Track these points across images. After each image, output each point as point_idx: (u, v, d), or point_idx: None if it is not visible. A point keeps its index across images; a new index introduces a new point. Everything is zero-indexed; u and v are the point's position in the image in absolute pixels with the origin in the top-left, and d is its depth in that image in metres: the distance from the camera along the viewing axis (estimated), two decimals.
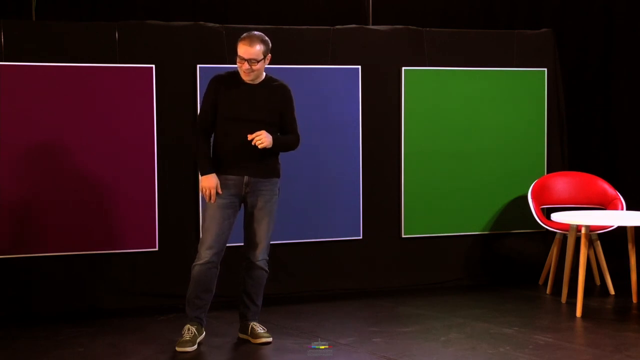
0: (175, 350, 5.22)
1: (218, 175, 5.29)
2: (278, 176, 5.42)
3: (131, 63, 6.27)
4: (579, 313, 6.06)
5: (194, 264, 5.30)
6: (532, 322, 5.92)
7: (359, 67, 6.79)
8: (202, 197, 5.34)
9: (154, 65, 6.30)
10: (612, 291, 6.71)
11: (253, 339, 5.39)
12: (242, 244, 5.46)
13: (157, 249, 6.38)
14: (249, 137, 5.17)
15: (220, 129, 5.31)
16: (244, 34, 5.27)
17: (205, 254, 5.27)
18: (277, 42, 6.56)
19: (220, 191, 5.26)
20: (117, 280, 6.35)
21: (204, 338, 5.36)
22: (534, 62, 7.26)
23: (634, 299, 6.41)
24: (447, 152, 7.03)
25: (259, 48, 5.22)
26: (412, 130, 6.94)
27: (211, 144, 5.37)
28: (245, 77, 5.26)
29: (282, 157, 6.56)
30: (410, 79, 6.91)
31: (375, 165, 6.87)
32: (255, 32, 5.30)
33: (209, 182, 5.25)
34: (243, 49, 5.21)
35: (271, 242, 6.51)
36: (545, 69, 7.28)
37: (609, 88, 8.17)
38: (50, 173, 6.12)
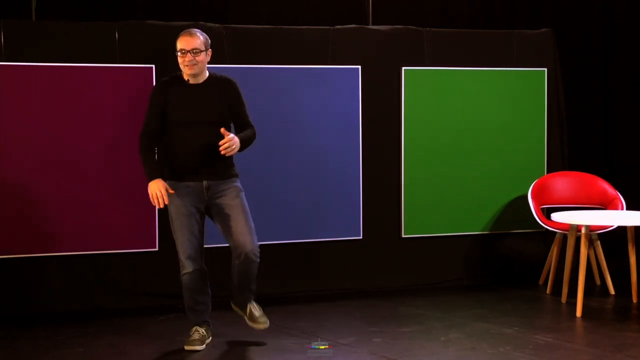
0: (184, 349, 5.23)
1: (177, 182, 5.22)
2: (236, 176, 5.35)
3: (131, 63, 6.27)
4: (579, 313, 6.06)
5: (181, 273, 5.30)
6: (532, 322, 5.92)
7: (359, 67, 6.79)
8: (171, 210, 5.26)
9: (154, 65, 6.30)
10: (612, 291, 6.71)
11: (250, 321, 5.35)
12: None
13: (157, 249, 6.38)
14: (221, 150, 5.07)
15: (171, 135, 5.23)
16: (182, 31, 5.28)
17: (187, 264, 5.25)
18: (277, 42, 6.60)
19: (170, 190, 5.15)
20: (117, 280, 6.35)
21: (210, 341, 5.37)
22: (534, 62, 7.26)
23: (634, 299, 6.41)
24: (447, 152, 7.03)
25: (200, 40, 5.19)
26: (412, 130, 6.94)
27: (156, 151, 5.27)
28: (188, 70, 5.18)
29: (281, 156, 6.59)
30: (410, 79, 6.91)
31: (375, 165, 6.87)
32: (194, 29, 5.30)
33: (156, 185, 5.14)
34: (184, 42, 5.18)
35: (271, 242, 6.54)
36: (545, 69, 7.27)
37: (609, 88, 8.17)
38: (50, 173, 6.13)
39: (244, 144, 5.25)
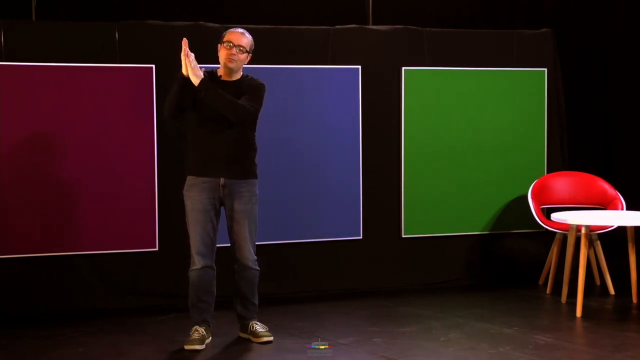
0: (184, 348, 5.23)
1: (196, 177, 5.28)
2: (255, 177, 5.38)
3: (131, 63, 6.27)
4: (579, 313, 6.06)
5: (190, 269, 5.32)
6: (532, 322, 5.92)
7: (359, 67, 6.79)
8: (187, 205, 5.32)
9: (154, 65, 6.30)
10: (612, 291, 6.71)
11: (254, 338, 5.39)
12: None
13: (157, 249, 6.38)
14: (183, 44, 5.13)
15: (194, 130, 5.30)
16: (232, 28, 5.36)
17: (198, 260, 5.29)
18: (277, 42, 6.61)
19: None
20: (117, 280, 6.35)
21: (210, 341, 5.37)
22: (534, 62, 7.26)
23: (634, 299, 6.41)
24: (447, 152, 7.03)
25: (247, 40, 5.31)
26: (412, 130, 6.94)
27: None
28: (228, 63, 5.26)
29: (281, 156, 6.59)
30: (410, 79, 6.91)
31: (375, 165, 6.87)
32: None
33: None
34: (233, 36, 5.28)
35: (271, 242, 6.55)
36: (545, 69, 7.28)
37: (609, 88, 8.16)
38: (50, 173, 6.12)
39: (214, 91, 5.14)
